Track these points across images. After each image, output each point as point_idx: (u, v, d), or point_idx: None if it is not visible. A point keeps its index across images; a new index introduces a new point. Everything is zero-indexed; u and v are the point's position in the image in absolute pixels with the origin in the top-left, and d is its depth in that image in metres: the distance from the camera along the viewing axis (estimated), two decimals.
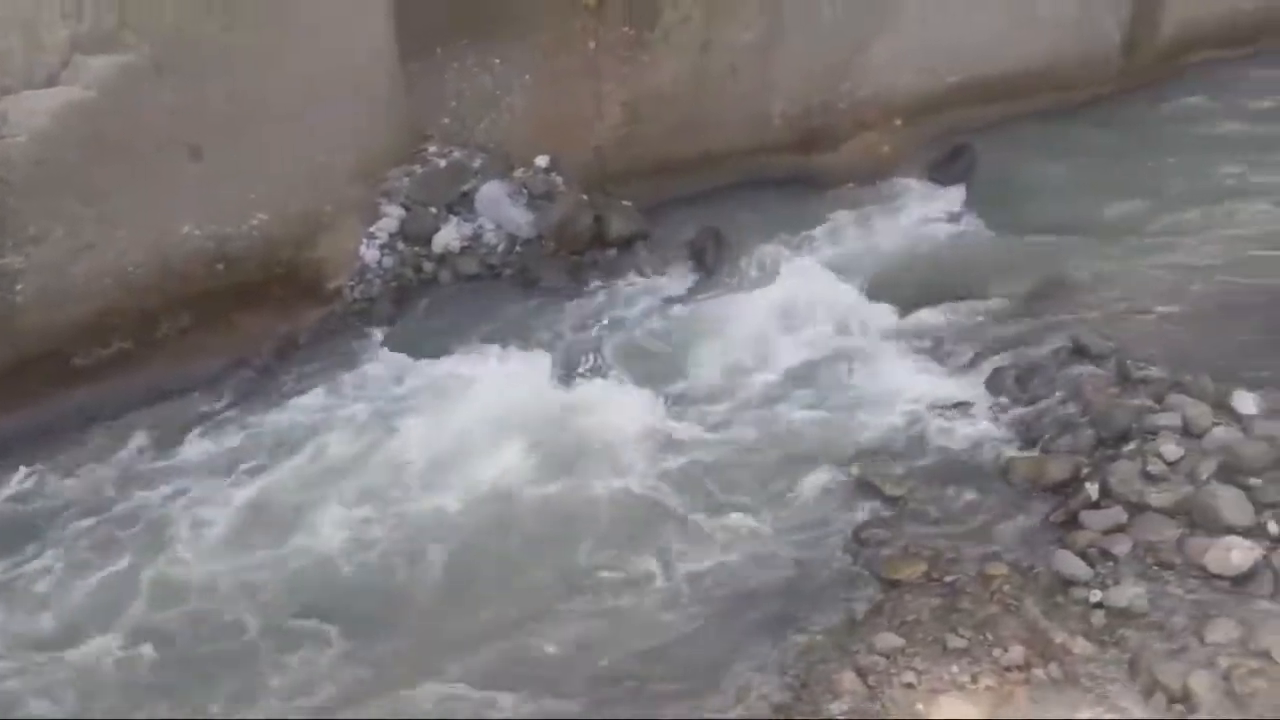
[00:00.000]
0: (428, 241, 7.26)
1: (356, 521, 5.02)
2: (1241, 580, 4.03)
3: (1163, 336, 5.82)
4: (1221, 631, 3.80)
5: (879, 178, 8.51)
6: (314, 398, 6.11)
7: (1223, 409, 4.88)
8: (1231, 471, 4.50)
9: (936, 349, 6.13)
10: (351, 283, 7.01)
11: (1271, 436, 4.62)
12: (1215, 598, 4.00)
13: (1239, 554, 4.07)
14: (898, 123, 8.85)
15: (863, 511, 4.93)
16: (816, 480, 5.16)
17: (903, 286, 6.88)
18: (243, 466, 5.53)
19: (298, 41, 6.72)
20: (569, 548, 4.81)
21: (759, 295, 6.87)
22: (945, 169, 8.63)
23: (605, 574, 4.64)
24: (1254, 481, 4.43)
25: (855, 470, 5.17)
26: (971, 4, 8.93)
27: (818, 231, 7.82)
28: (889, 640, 4.04)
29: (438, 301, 7.07)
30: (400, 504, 5.11)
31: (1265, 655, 3.67)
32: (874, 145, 8.72)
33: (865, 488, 5.07)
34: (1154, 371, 5.27)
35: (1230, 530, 4.22)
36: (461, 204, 7.48)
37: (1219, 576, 4.06)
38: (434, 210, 7.36)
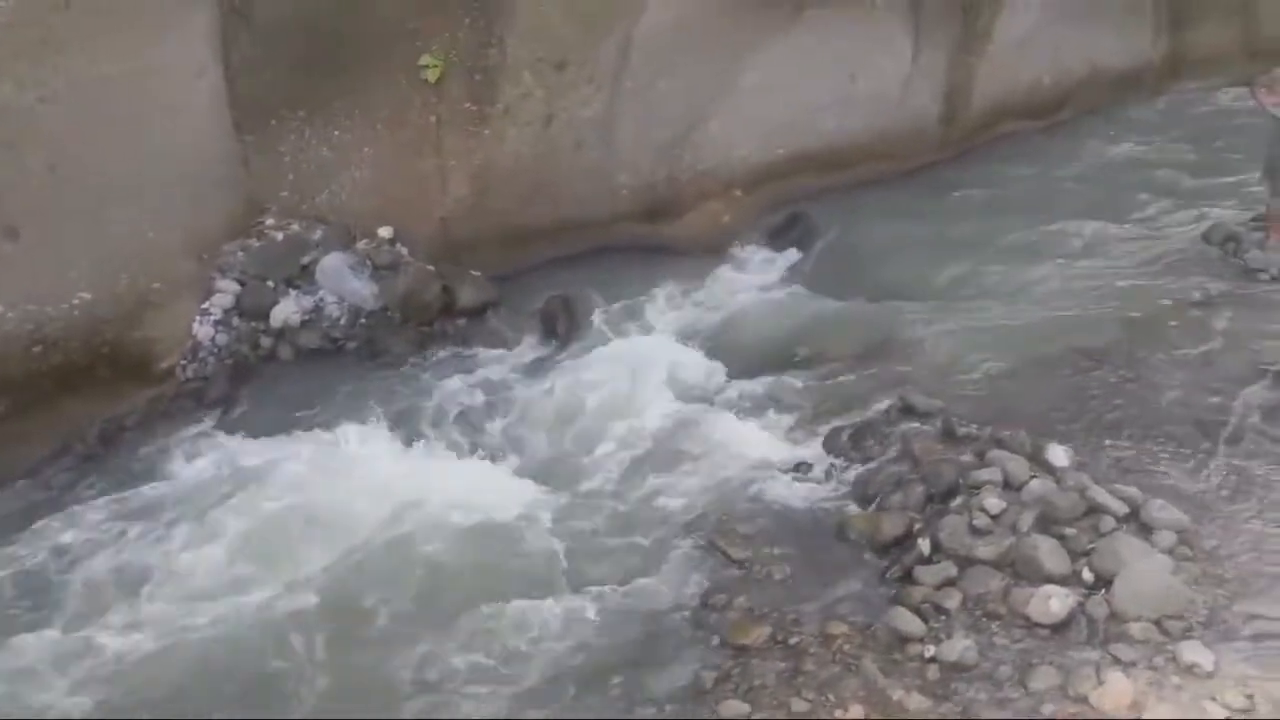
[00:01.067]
0: (266, 316, 7.05)
1: (177, 615, 4.76)
2: (1059, 628, 4.26)
3: (983, 394, 6.16)
4: (1043, 679, 4.00)
5: (722, 246, 8.81)
6: (141, 484, 5.80)
7: (1038, 462, 5.19)
8: (1048, 522, 4.78)
9: (777, 411, 6.31)
10: (184, 362, 6.73)
11: (1083, 487, 4.94)
12: (1037, 645, 4.21)
13: (1056, 602, 4.31)
14: (737, 193, 9.20)
15: (709, 577, 4.98)
16: (664, 548, 5.20)
17: (744, 351, 7.09)
18: (65, 558, 5.20)
19: (122, 114, 6.50)
20: (402, 636, 4.67)
21: (607, 362, 6.94)
22: (783, 236, 9.01)
23: (445, 662, 4.52)
24: (1068, 531, 4.71)
25: (701, 536, 5.24)
26: (799, 81, 9.42)
27: (664, 298, 8.01)
28: (735, 708, 4.08)
29: (277, 378, 6.85)
30: (219, 598, 4.87)
31: (1083, 700, 3.89)
32: (716, 215, 9.02)
33: (711, 552, 5.14)
34: (975, 428, 5.56)
35: (1049, 579, 4.47)
36: (301, 277, 7.31)
37: (1040, 625, 4.29)
38: (272, 284, 7.17)
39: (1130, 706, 3.83)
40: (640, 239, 8.69)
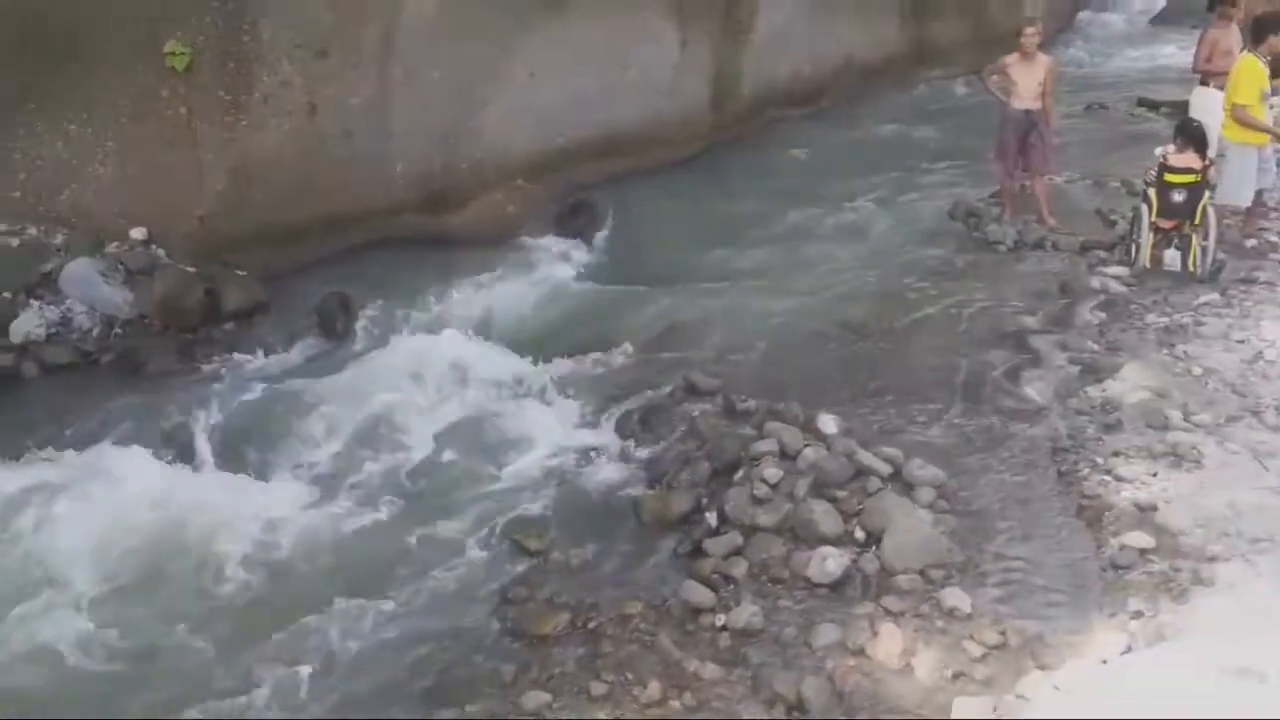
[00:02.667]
0: (4, 331, 6.41)
1: None
2: (837, 586, 4.51)
3: (759, 370, 6.44)
4: (824, 636, 4.22)
5: (506, 235, 8.78)
6: None
7: (811, 431, 5.48)
8: (821, 486, 5.06)
9: (566, 399, 6.34)
10: None
11: (851, 452, 5.25)
12: (818, 605, 4.44)
13: (833, 562, 4.56)
14: (519, 182, 9.16)
15: (508, 571, 4.94)
16: (460, 546, 5.11)
17: (532, 340, 7.08)
18: None
19: None
20: (188, 654, 4.39)
21: (390, 359, 6.75)
22: (567, 225, 9.07)
23: (237, 676, 4.28)
24: (840, 494, 5.01)
25: (497, 530, 5.21)
26: (571, 68, 9.49)
27: (449, 291, 7.87)
28: (537, 698, 4.08)
29: (21, 398, 6.25)
30: None
31: (861, 652, 4.15)
32: (499, 204, 8.96)
33: (510, 546, 5.11)
34: (753, 403, 5.80)
35: (825, 541, 4.73)
36: (43, 286, 6.70)
37: (819, 585, 4.52)
38: (8, 295, 6.52)
39: (901, 653, 4.12)
40: (422, 230, 8.50)
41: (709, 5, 10.67)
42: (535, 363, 6.77)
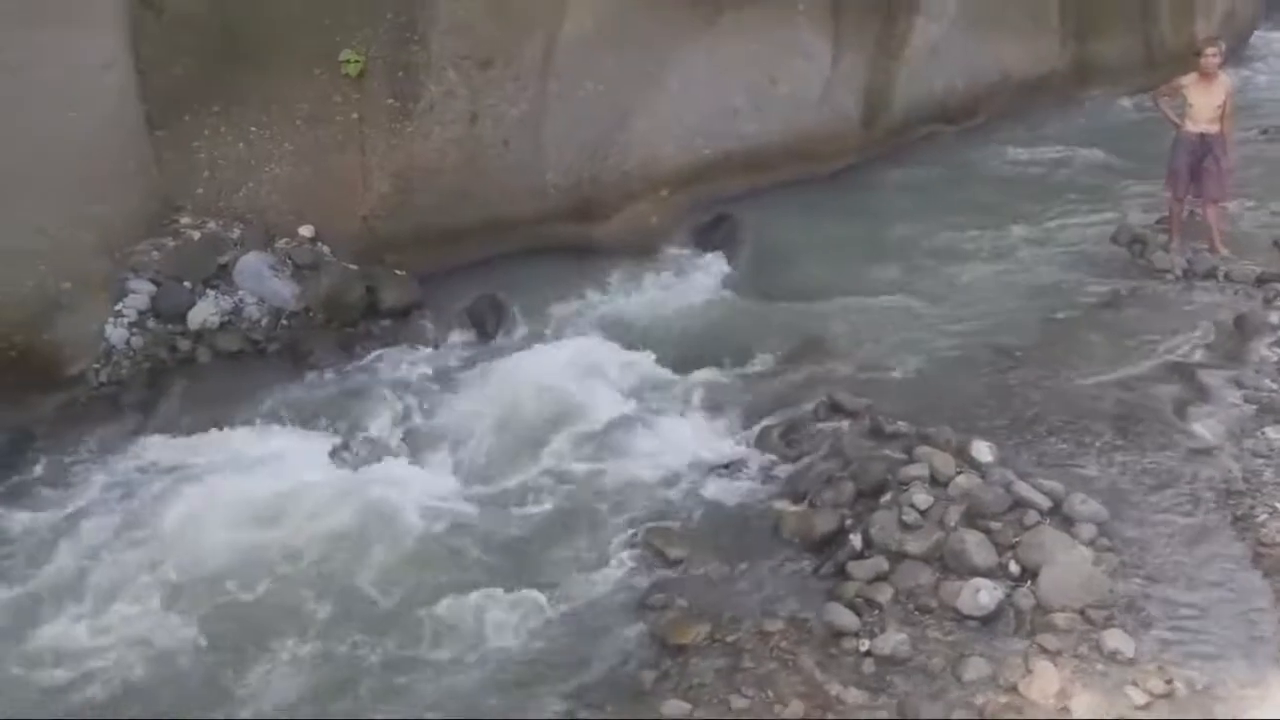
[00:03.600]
0: (183, 318, 6.82)
1: (115, 622, 4.58)
2: (988, 619, 4.36)
3: (909, 391, 6.28)
4: (974, 670, 4.09)
5: (650, 246, 8.83)
6: (54, 493, 5.56)
7: (963, 458, 5.31)
8: (975, 516, 4.90)
9: (709, 410, 6.34)
10: (97, 366, 6.47)
11: (1008, 482, 5.07)
12: (968, 637, 4.31)
13: (986, 594, 4.41)
14: (664, 193, 9.23)
15: (648, 578, 4.96)
16: (601, 549, 5.17)
17: (675, 350, 7.10)
18: None
19: (21, 104, 6.21)
20: (338, 638, 4.56)
21: (538, 362, 6.87)
22: (709, 237, 9.08)
23: (382, 664, 4.43)
24: (994, 525, 4.84)
25: (638, 536, 5.24)
26: (721, 81, 9.51)
27: (594, 299, 8.00)
28: (677, 706, 4.08)
29: (197, 382, 6.62)
30: (147, 604, 4.71)
31: (1013, 690, 3.99)
32: (644, 215, 9.04)
33: (650, 553, 5.13)
34: (902, 425, 5.67)
35: (977, 572, 4.58)
36: (219, 277, 7.10)
37: (970, 617, 4.39)
38: (189, 285, 6.94)
39: (1057, 694, 3.95)
40: (569, 239, 8.65)
41: (865, 19, 10.52)
42: (676, 372, 6.80)
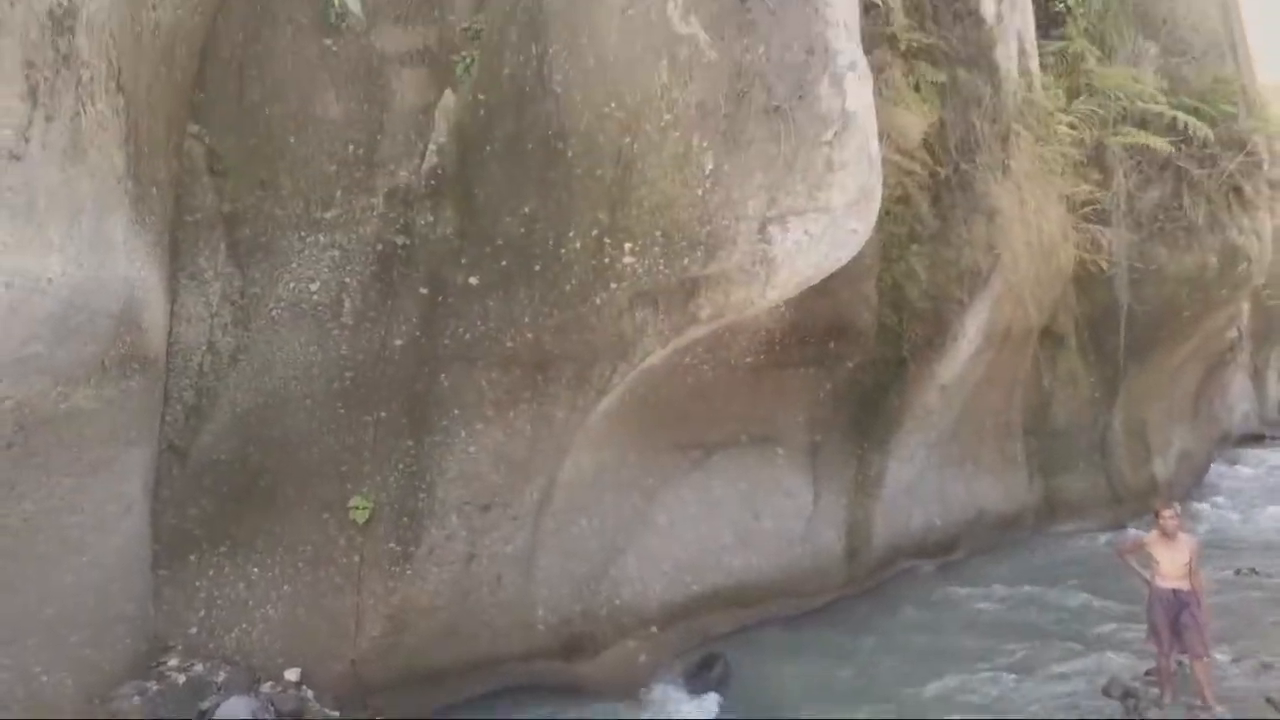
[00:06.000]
0: None
1: None
2: None
3: None
4: None
5: (636, 686, 8.74)
6: None
7: None
8: None
9: None
10: None
11: None
12: None
13: None
14: (653, 629, 9.27)
15: None
16: None
17: None
18: None
19: (32, 553, 6.41)
20: None
21: None
22: (699, 677, 8.98)
23: None
24: None
25: None
26: (705, 518, 9.93)
27: None
28: None
29: None
30: None
31: None
32: (632, 653, 9.01)
33: None
34: None
35: None
36: None
37: None
38: None
39: None
40: (554, 678, 8.56)
41: (841, 462, 11.20)
42: None
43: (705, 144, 7.14)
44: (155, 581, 7.33)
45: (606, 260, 7.49)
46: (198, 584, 7.43)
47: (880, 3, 9.35)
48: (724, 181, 7.12)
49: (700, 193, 7.18)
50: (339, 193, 8.00)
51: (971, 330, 11.51)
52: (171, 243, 7.48)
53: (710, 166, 7.13)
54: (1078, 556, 13.02)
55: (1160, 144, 13.20)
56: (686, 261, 7.30)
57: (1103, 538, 13.54)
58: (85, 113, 6.08)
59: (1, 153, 5.49)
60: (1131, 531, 13.08)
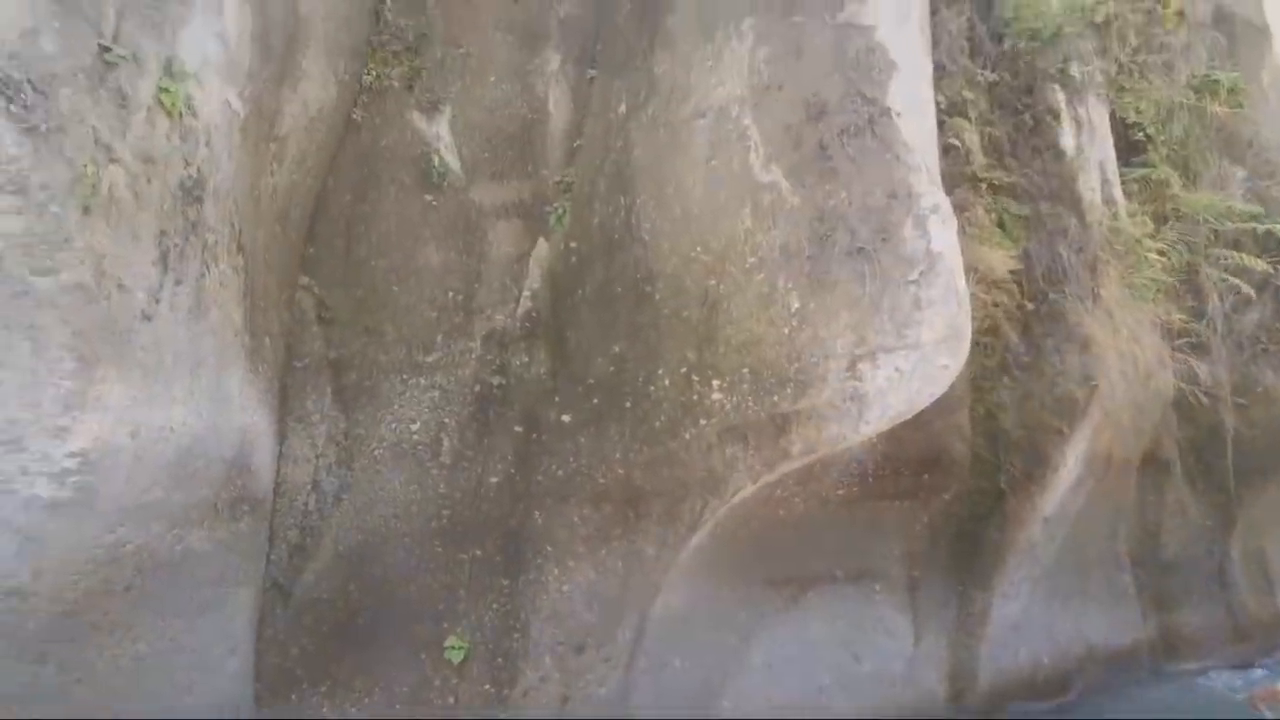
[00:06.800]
0: None
1: None
2: None
3: None
4: None
5: None
6: None
7: None
8: None
9: None
10: None
11: None
12: None
13: None
14: None
15: None
16: None
17: None
18: None
19: (140, 696, 6.59)
20: None
21: None
22: None
23: None
24: None
25: None
26: (803, 658, 9.65)
27: None
28: None
29: None
30: None
31: None
32: None
33: None
34: None
35: None
36: None
37: None
38: None
39: None
40: None
41: (943, 598, 10.85)
42: None
43: (790, 285, 7.31)
44: None
45: (695, 397, 7.63)
46: None
47: (959, 143, 9.56)
48: (810, 320, 7.24)
49: (787, 331, 7.32)
50: (439, 337, 8.38)
51: (1071, 460, 11.21)
52: (281, 388, 7.89)
53: (796, 305, 7.28)
54: (1200, 699, 12.21)
55: (1257, 263, 12.94)
56: (776, 398, 7.39)
57: (1230, 676, 12.68)
58: (209, 273, 6.56)
59: (135, 314, 5.93)
60: (1260, 673, 12.25)
